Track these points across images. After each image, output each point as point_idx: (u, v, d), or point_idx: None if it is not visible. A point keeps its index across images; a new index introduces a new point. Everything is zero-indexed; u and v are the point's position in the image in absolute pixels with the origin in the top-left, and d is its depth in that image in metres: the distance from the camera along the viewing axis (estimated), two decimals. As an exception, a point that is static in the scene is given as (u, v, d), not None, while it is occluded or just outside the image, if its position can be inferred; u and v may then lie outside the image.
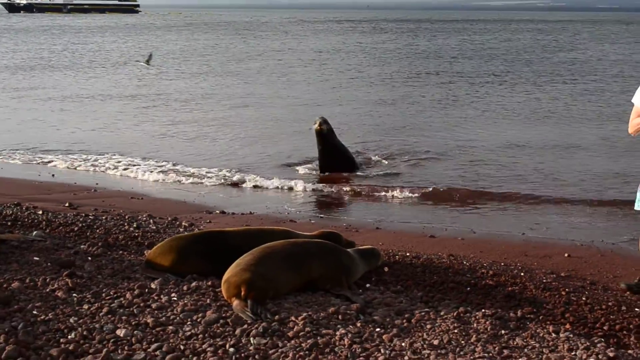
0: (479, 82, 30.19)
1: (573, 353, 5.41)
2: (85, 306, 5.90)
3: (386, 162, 15.68)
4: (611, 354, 5.37)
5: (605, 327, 6.18)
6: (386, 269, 7.61)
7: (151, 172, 14.79)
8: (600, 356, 5.33)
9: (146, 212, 10.65)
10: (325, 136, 14.51)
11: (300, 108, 23.39)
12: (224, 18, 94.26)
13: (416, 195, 12.74)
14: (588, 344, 5.63)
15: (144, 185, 13.85)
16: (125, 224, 9.42)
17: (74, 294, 6.17)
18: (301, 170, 15.09)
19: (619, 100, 23.73)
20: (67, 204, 11.08)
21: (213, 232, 7.59)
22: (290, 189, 13.47)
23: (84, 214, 9.99)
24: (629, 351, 5.62)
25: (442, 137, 18.42)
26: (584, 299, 7.00)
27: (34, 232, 8.21)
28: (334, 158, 14.72)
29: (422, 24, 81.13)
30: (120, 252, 7.81)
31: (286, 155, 16.34)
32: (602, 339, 5.83)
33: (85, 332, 5.34)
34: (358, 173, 14.70)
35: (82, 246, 7.82)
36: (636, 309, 6.78)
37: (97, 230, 8.80)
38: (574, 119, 21.55)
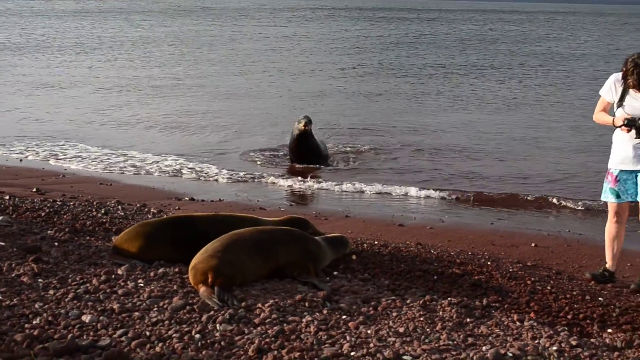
0: (452, 72, 30.26)
1: (536, 341, 5.46)
2: (51, 292, 5.87)
3: (356, 155, 15.61)
4: (574, 343, 5.43)
5: (569, 316, 6.24)
6: (354, 257, 7.63)
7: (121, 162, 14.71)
8: (563, 344, 5.39)
9: (115, 198, 10.59)
10: (308, 137, 14.34)
11: (268, 99, 23.26)
12: (199, 3, 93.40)
13: (385, 186, 12.70)
14: (552, 332, 5.69)
15: (113, 171, 13.75)
16: (93, 210, 9.36)
17: (40, 280, 6.14)
18: (271, 161, 15.04)
19: (587, 91, 23.88)
20: (34, 189, 10.99)
21: (180, 217, 7.58)
22: (261, 177, 13.42)
23: (51, 200, 9.91)
24: (592, 340, 5.69)
25: (412, 129, 18.42)
26: (549, 288, 7.07)
27: (0, 217, 8.14)
28: (309, 159, 14.55)
29: (396, 13, 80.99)
30: (88, 238, 7.76)
31: (255, 146, 16.21)
32: (566, 328, 5.89)
33: (50, 318, 5.31)
34: (328, 167, 14.56)
35: (48, 232, 7.77)
36: (600, 299, 6.86)
37: (65, 216, 8.74)
38: (544, 108, 21.69)
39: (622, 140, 7.45)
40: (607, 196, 7.65)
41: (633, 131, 7.28)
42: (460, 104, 22.31)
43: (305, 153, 14.49)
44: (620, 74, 7.46)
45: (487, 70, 30.99)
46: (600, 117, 7.67)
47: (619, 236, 7.71)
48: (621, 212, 7.64)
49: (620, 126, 7.37)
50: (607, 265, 7.75)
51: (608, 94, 7.57)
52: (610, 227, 7.70)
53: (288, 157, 15.00)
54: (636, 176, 7.42)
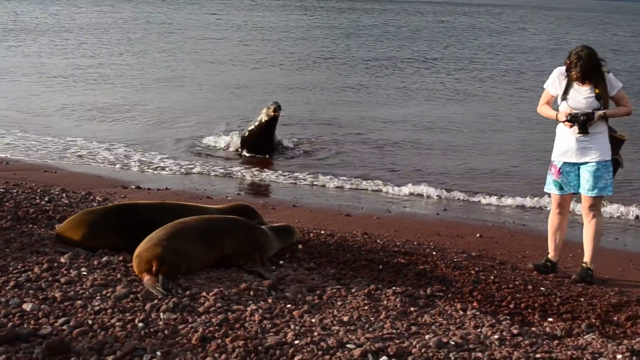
0: (402, 64, 30.33)
1: (479, 330, 5.54)
2: (-9, 280, 5.79)
3: (305, 146, 15.36)
4: (515, 331, 5.52)
5: (511, 305, 6.34)
6: (300, 246, 7.63)
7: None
8: (504, 333, 5.47)
9: (59, 185, 10.44)
10: (272, 124, 14.16)
11: (212, 88, 23.03)
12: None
13: (334, 178, 12.66)
14: (494, 321, 5.78)
15: (58, 158, 13.56)
16: (37, 197, 9.22)
17: (-20, 268, 6.04)
18: (216, 150, 14.86)
19: (535, 84, 24.11)
20: (-24, 177, 10.79)
21: (125, 205, 7.51)
22: (208, 166, 13.33)
23: (-6, 187, 9.74)
24: (532, 328, 5.78)
25: (361, 119, 18.38)
26: (492, 278, 7.16)
27: (-60, 204, 7.98)
28: (266, 146, 14.39)
29: (347, 3, 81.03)
30: (30, 225, 7.65)
31: (200, 134, 16.03)
32: (508, 317, 5.99)
33: (-10, 306, 5.24)
34: (278, 157, 14.39)
35: (-10, 219, 7.64)
36: (542, 288, 6.97)
37: (7, 204, 8.59)
38: (492, 101, 21.88)
39: (564, 133, 7.56)
40: (550, 188, 7.77)
41: (576, 126, 7.39)
42: (410, 96, 22.37)
43: (266, 142, 14.29)
44: (564, 67, 7.53)
45: (437, 62, 31.14)
46: (544, 110, 7.77)
47: (562, 227, 7.83)
48: (564, 204, 7.77)
49: (563, 121, 7.48)
50: (549, 256, 7.90)
51: (552, 87, 7.66)
52: (552, 218, 7.83)
53: (238, 146, 14.67)
54: (579, 168, 7.53)
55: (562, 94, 7.56)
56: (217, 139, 15.36)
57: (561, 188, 7.67)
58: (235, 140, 14.97)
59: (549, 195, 8.03)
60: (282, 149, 14.90)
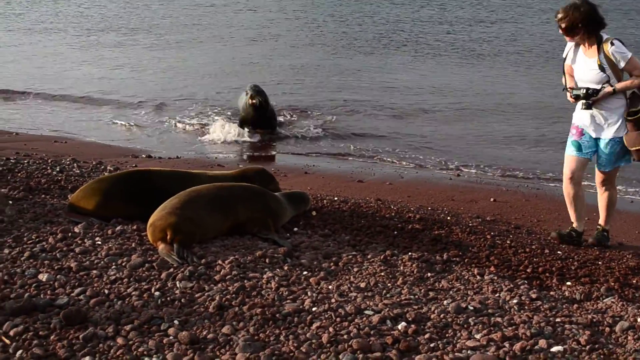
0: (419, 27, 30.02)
1: (497, 295, 5.49)
2: (6, 250, 5.78)
3: (311, 119, 14.72)
4: (533, 295, 5.47)
5: (528, 270, 6.29)
6: (314, 213, 7.60)
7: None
8: (523, 297, 5.42)
9: (70, 155, 10.41)
10: (259, 109, 13.18)
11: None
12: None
13: (342, 147, 12.50)
14: (512, 285, 5.73)
15: (68, 128, 13.53)
16: (48, 167, 9.19)
17: (-6, 239, 6.03)
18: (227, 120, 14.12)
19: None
20: (-14, 148, 10.77)
21: (137, 171, 7.46)
22: (217, 135, 13.16)
23: (4, 158, 9.69)
24: (551, 292, 5.74)
25: (379, 86, 18.03)
26: (508, 242, 7.12)
27: (-48, 176, 7.96)
28: (265, 124, 13.50)
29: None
30: (43, 196, 7.63)
31: (212, 103, 15.82)
32: (525, 281, 5.94)
33: (6, 277, 5.23)
34: (282, 131, 13.73)
35: (2, 190, 7.61)
36: (558, 252, 6.92)
37: (19, 174, 8.57)
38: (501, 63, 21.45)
39: (579, 108, 7.26)
40: (568, 149, 7.34)
41: (580, 102, 7.12)
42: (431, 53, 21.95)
43: (261, 122, 13.40)
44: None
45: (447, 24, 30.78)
46: (563, 81, 7.40)
47: (579, 195, 7.41)
48: (578, 168, 7.30)
49: (567, 91, 7.24)
50: (574, 225, 7.48)
51: (567, 56, 7.32)
52: (567, 187, 7.39)
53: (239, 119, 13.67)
54: (596, 142, 7.23)
55: (571, 63, 7.26)
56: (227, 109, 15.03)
57: (579, 149, 7.23)
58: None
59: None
60: (289, 122, 14.38)
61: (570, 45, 7.25)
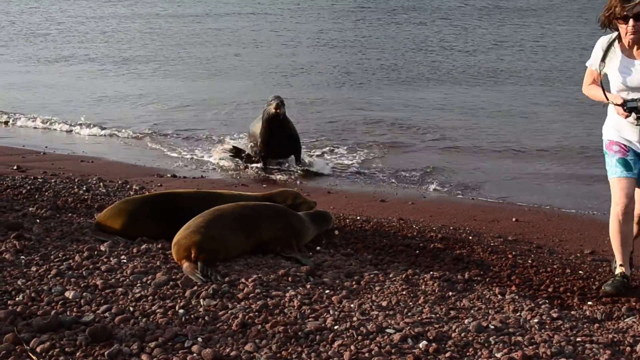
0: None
1: (518, 314, 5.53)
2: (34, 268, 5.88)
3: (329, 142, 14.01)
4: (555, 315, 5.50)
5: (549, 289, 6.32)
6: (336, 232, 7.67)
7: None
8: (544, 317, 5.45)
9: (96, 175, 10.55)
10: (282, 122, 11.68)
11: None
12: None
13: (367, 164, 12.42)
14: (533, 305, 5.76)
15: (94, 148, 13.67)
16: (75, 186, 9.34)
17: (22, 256, 6.15)
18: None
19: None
20: (15, 167, 10.93)
21: (163, 194, 7.60)
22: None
23: (32, 177, 9.85)
24: (572, 312, 5.76)
25: (394, 104, 18.07)
26: (529, 261, 7.14)
27: (-19, 195, 8.11)
28: (283, 148, 12.16)
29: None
30: (70, 214, 7.76)
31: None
32: (547, 301, 5.97)
33: (33, 294, 5.33)
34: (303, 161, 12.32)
35: (30, 209, 7.75)
36: (580, 272, 6.93)
37: (46, 193, 8.71)
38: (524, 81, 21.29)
39: (622, 121, 6.02)
40: (615, 171, 6.06)
41: (633, 115, 5.84)
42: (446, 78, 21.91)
43: (276, 143, 11.91)
44: (606, 37, 6.08)
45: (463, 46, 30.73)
46: (590, 91, 6.19)
47: (630, 231, 6.20)
48: (631, 191, 6.00)
49: (616, 105, 5.93)
50: (623, 270, 6.34)
51: (596, 62, 6.11)
52: (620, 220, 6.07)
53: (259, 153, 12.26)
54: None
55: (608, 69, 6.04)
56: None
57: (629, 168, 6.00)
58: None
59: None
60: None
61: (598, 47, 6.09)
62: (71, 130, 15.22)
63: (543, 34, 29.13)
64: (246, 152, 12.44)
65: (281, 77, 21.34)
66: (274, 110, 11.45)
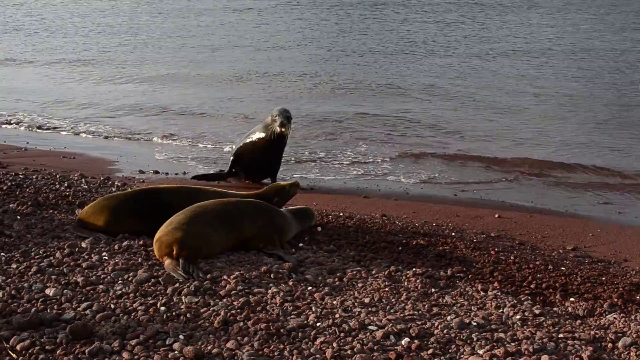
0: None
1: (500, 310, 5.54)
2: (14, 265, 5.85)
3: (314, 140, 13.97)
4: (537, 311, 5.52)
5: (532, 286, 6.33)
6: (319, 228, 7.66)
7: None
8: (526, 313, 5.47)
9: (78, 171, 10.49)
10: (283, 144, 10.51)
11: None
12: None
13: (354, 165, 12.38)
14: (515, 301, 5.78)
15: (76, 144, 13.57)
16: (57, 183, 9.28)
17: (2, 253, 6.13)
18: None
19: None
20: (-5, 163, 10.85)
21: (145, 190, 7.55)
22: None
23: (13, 173, 9.78)
24: (554, 308, 5.78)
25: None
26: (512, 258, 7.16)
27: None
28: (266, 171, 10.81)
29: None
30: (51, 211, 7.71)
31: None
32: (529, 297, 5.99)
33: (13, 292, 5.29)
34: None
35: (10, 205, 7.70)
36: (562, 268, 6.95)
37: (27, 189, 8.65)
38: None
39: None
40: None
41: None
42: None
43: (267, 164, 10.66)
44: None
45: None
46: None
47: None
48: None
49: None
50: None
51: None
52: None
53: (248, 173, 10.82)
54: None
55: None
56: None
57: None
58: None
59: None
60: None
61: None
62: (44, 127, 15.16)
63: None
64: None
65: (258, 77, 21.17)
66: (279, 130, 10.09)
